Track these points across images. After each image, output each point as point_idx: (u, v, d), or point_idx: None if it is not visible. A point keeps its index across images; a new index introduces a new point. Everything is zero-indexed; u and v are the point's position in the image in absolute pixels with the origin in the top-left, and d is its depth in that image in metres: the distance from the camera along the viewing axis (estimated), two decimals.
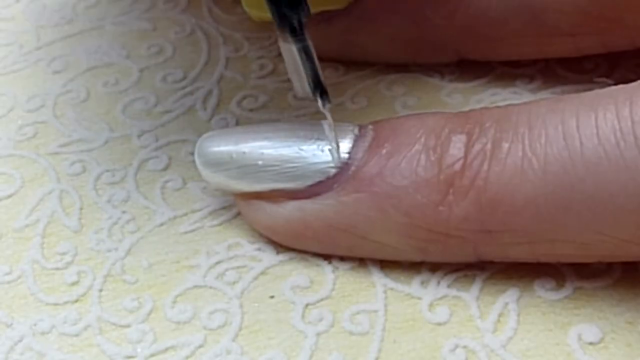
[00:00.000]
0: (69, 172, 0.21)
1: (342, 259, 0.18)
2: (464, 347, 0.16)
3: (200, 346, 0.16)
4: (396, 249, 0.17)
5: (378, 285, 0.17)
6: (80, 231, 0.19)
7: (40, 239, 0.19)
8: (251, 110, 0.23)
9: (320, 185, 0.18)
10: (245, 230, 0.19)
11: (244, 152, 0.18)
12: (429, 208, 0.17)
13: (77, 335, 0.17)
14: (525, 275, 0.17)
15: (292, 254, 0.18)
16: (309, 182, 0.18)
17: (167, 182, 0.21)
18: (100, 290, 0.18)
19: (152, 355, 0.16)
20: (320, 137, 0.18)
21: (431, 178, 0.17)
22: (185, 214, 0.20)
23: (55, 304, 0.18)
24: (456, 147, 0.17)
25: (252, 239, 0.19)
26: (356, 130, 0.18)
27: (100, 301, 0.18)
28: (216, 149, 0.19)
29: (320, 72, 0.19)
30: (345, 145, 0.18)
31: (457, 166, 0.16)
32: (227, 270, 0.18)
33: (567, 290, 0.17)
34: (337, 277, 0.18)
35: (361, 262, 0.18)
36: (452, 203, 0.16)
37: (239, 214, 0.19)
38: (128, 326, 0.17)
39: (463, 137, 0.17)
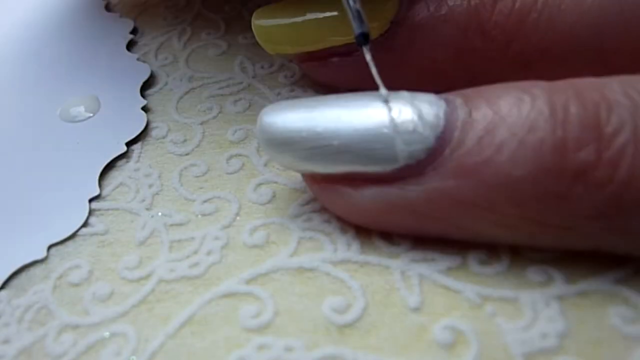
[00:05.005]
0: None
1: None
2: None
3: None
4: (496, 237, 0.16)
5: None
6: None
7: None
8: None
9: (409, 169, 0.15)
10: None
11: (316, 131, 0.16)
12: (550, 201, 0.14)
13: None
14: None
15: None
16: (396, 166, 0.15)
17: None
18: None
19: None
20: (404, 112, 0.15)
21: (552, 167, 0.14)
22: None
23: None
24: (584, 128, 0.14)
25: None
26: (444, 105, 0.16)
27: None
28: (282, 126, 0.16)
29: (362, 15, 0.17)
30: (439, 123, 0.15)
31: (588, 154, 0.14)
32: None
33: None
34: None
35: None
36: (583, 198, 0.14)
37: None
38: None
39: (589, 116, 0.14)
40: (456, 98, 0.16)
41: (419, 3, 0.19)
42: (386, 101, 0.16)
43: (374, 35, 0.20)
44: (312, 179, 0.17)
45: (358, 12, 0.18)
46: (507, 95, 0.15)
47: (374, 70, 0.17)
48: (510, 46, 0.18)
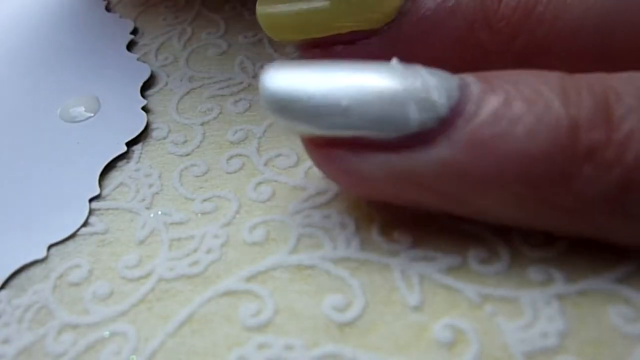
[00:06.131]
0: None
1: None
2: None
3: None
4: (503, 215, 0.16)
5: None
6: None
7: None
8: None
9: (418, 138, 0.15)
10: None
11: (324, 89, 0.15)
12: (559, 180, 0.14)
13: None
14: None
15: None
16: (406, 133, 0.15)
17: None
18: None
19: None
20: (417, 80, 0.15)
21: (566, 146, 0.14)
22: None
23: None
24: (595, 111, 0.14)
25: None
26: (457, 79, 0.15)
27: None
28: (286, 82, 0.15)
29: None
30: (453, 94, 0.15)
31: (599, 134, 0.14)
32: None
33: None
34: None
35: None
36: (591, 179, 0.14)
37: None
38: None
39: (600, 101, 0.14)
40: (469, 76, 0.16)
41: (417, 20, 0.19)
42: (400, 68, 0.15)
43: (379, 25, 0.19)
44: (313, 144, 0.16)
45: None
46: (521, 77, 0.15)
47: None
48: (515, 40, 0.18)
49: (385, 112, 0.15)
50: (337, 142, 0.16)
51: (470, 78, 0.16)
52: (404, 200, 0.16)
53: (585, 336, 0.15)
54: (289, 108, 0.15)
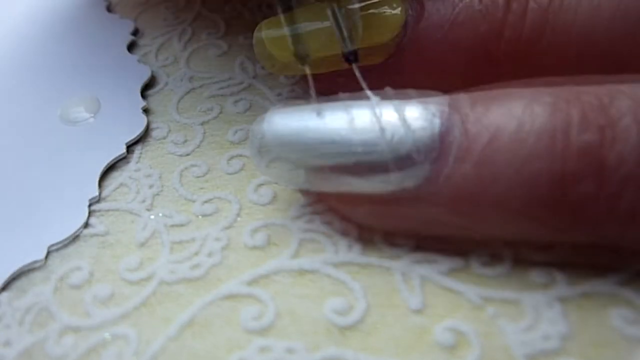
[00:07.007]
0: None
1: None
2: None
3: None
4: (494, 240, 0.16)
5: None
6: None
7: None
8: None
9: (403, 192, 0.15)
10: None
11: (309, 154, 0.16)
12: (546, 230, 0.14)
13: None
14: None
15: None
16: (390, 189, 0.15)
17: None
18: None
19: None
20: (396, 135, 0.15)
21: (551, 200, 0.13)
22: None
23: None
24: (584, 160, 0.13)
25: None
26: (438, 124, 0.15)
27: None
28: (276, 150, 0.17)
29: (345, 34, 0.17)
30: (434, 147, 0.15)
31: (587, 187, 0.13)
32: None
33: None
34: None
35: None
36: (580, 230, 0.14)
37: None
38: None
39: (592, 145, 0.13)
40: (453, 114, 0.15)
41: (426, 30, 0.19)
42: (381, 128, 0.16)
43: (377, 60, 0.19)
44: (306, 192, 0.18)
45: (350, 31, 0.18)
46: (507, 113, 0.15)
47: (364, 84, 0.17)
48: (518, 69, 0.18)
49: (368, 173, 0.15)
50: (328, 196, 0.17)
51: (454, 117, 0.15)
52: (404, 232, 0.17)
53: (587, 338, 0.15)
54: (279, 175, 0.17)
